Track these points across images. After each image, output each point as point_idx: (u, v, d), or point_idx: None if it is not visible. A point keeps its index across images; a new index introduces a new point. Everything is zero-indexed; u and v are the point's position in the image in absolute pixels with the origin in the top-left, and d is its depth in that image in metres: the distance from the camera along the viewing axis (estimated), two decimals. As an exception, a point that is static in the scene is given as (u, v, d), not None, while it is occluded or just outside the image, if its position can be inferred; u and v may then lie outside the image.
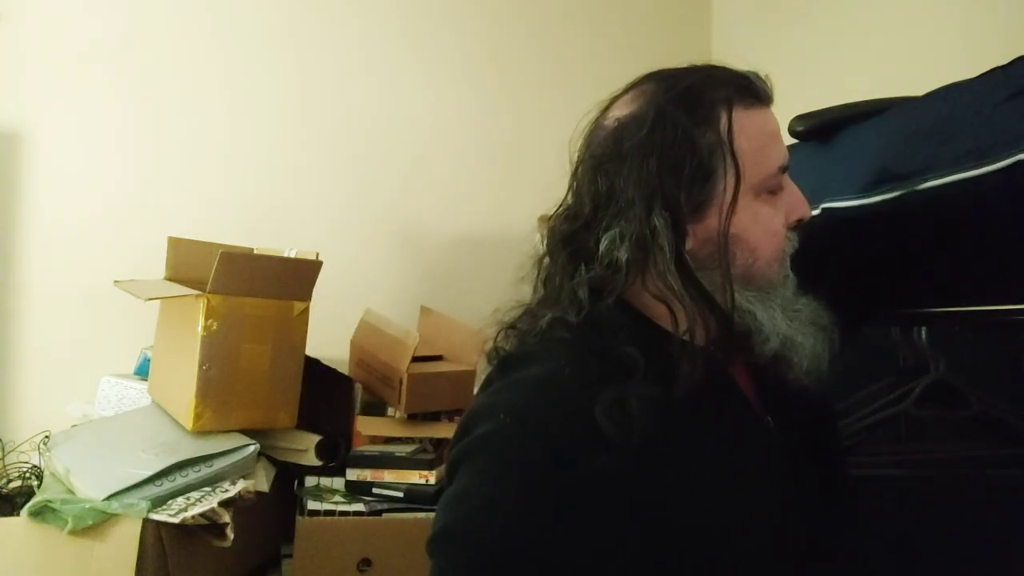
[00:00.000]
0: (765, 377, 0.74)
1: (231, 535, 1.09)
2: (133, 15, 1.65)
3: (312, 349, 1.38)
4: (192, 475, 1.16)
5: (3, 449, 1.40)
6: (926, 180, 0.92)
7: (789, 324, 0.70)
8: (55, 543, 1.05)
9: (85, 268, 1.57)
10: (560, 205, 0.78)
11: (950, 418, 1.05)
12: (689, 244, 0.69)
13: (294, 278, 1.34)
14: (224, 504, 1.11)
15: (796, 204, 0.74)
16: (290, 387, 1.33)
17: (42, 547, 1.06)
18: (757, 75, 0.73)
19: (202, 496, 1.13)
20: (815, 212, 1.14)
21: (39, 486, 1.20)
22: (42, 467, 1.27)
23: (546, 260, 0.77)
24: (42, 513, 1.07)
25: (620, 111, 0.75)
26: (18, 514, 1.09)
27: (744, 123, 0.70)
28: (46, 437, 1.27)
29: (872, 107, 1.09)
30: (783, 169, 0.73)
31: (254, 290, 1.28)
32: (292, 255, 1.47)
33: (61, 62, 1.59)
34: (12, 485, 1.28)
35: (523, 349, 0.73)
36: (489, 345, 0.77)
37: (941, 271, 1.11)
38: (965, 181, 0.87)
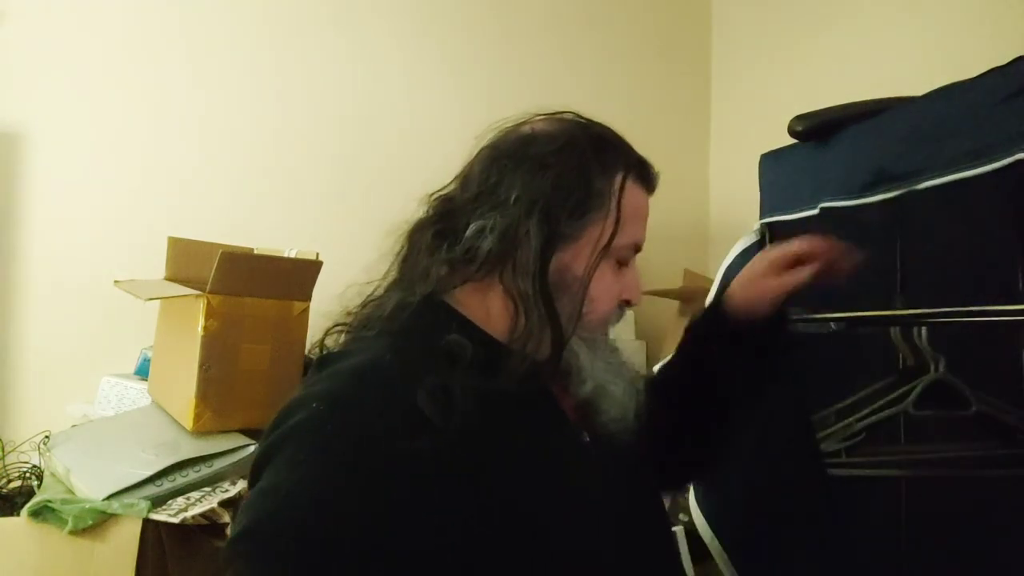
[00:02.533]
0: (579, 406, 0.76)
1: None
2: (133, 15, 1.65)
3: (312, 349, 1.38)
4: (192, 475, 1.16)
5: (3, 449, 1.40)
6: (925, 180, 0.93)
7: (604, 374, 0.73)
8: (55, 543, 1.05)
9: (85, 268, 1.57)
10: (443, 187, 0.80)
11: (950, 418, 1.05)
12: (552, 268, 0.71)
13: (294, 278, 1.34)
14: (224, 504, 1.11)
15: (632, 286, 0.77)
16: (290, 387, 1.31)
17: (42, 547, 1.06)
18: (651, 167, 0.79)
19: (202, 496, 1.13)
20: (815, 212, 1.14)
21: (39, 486, 1.20)
22: (42, 467, 1.27)
23: (414, 236, 0.79)
24: (42, 513, 1.07)
25: (537, 125, 0.78)
26: (18, 514, 1.09)
27: (631, 192, 0.75)
28: (46, 437, 1.27)
29: (872, 107, 1.09)
30: (638, 249, 0.77)
31: (254, 290, 1.28)
32: (292, 255, 1.47)
33: (61, 62, 1.59)
34: (12, 485, 1.28)
35: (348, 346, 0.75)
36: (313, 345, 0.78)
37: (940, 270, 1.11)
38: (963, 181, 0.87)
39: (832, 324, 1.15)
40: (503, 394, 0.65)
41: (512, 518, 0.62)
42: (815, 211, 1.13)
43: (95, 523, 1.06)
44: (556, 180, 0.71)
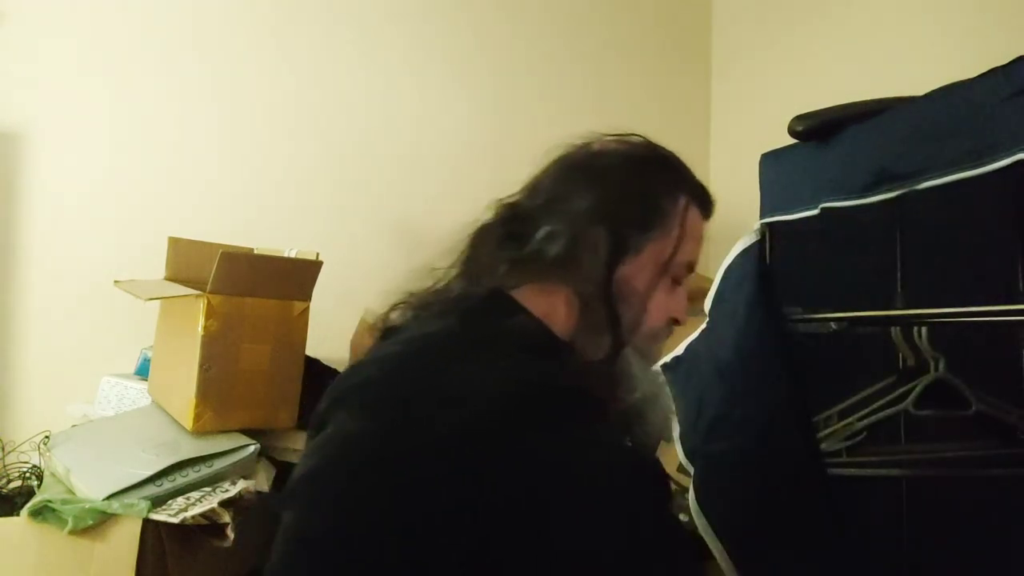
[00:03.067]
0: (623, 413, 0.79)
1: (231, 535, 1.09)
2: (133, 15, 1.65)
3: (312, 349, 1.38)
4: (192, 475, 1.16)
5: (3, 449, 1.39)
6: (925, 180, 0.92)
7: (653, 386, 0.77)
8: (55, 543, 1.05)
9: (85, 268, 1.56)
10: (511, 195, 0.83)
11: (950, 418, 1.05)
12: (616, 278, 0.73)
13: (294, 278, 1.34)
14: (224, 504, 1.11)
15: (682, 306, 0.79)
16: (290, 387, 1.33)
17: (42, 547, 1.06)
18: (711, 195, 0.82)
19: (202, 496, 1.13)
20: (815, 212, 1.14)
21: (39, 486, 1.20)
22: (42, 467, 1.27)
23: (473, 241, 0.81)
24: (42, 513, 1.07)
25: (608, 143, 0.81)
26: (18, 514, 1.09)
27: (692, 214, 0.78)
28: (46, 437, 1.27)
29: (872, 107, 1.09)
30: (691, 270, 0.80)
31: (254, 290, 1.28)
32: (292, 255, 1.47)
33: (61, 62, 1.59)
34: (12, 485, 1.28)
35: (411, 322, 0.77)
36: (379, 317, 0.80)
37: (940, 270, 1.11)
38: (964, 181, 0.87)
39: (832, 324, 1.15)
40: (556, 385, 0.67)
41: (528, 516, 0.59)
42: (815, 211, 1.13)
43: (95, 523, 1.06)
44: (624, 194, 0.74)
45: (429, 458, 0.57)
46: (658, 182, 0.77)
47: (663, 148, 0.82)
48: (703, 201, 0.81)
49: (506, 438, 0.57)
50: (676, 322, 0.79)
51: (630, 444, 0.70)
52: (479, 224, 0.83)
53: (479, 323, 0.71)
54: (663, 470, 0.65)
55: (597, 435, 0.62)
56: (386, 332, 0.78)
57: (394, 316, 0.80)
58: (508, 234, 0.78)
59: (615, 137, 0.82)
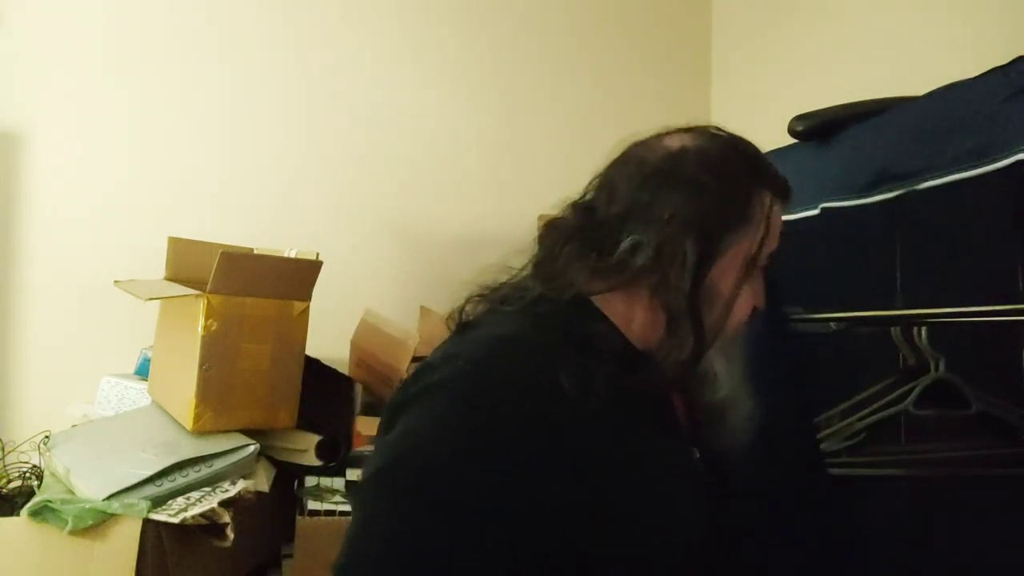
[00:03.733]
0: (697, 421, 0.79)
1: (231, 535, 1.09)
2: (132, 15, 1.65)
3: (312, 349, 1.38)
4: (192, 475, 1.16)
5: (3, 449, 1.39)
6: (926, 180, 0.93)
7: (739, 384, 0.76)
8: (55, 543, 1.05)
9: (85, 268, 1.56)
10: (578, 197, 0.81)
11: (950, 418, 1.05)
12: (706, 281, 0.73)
13: (294, 278, 1.34)
14: (224, 504, 1.11)
15: (759, 293, 0.80)
16: (290, 387, 1.33)
17: (42, 547, 1.06)
18: (790, 185, 0.81)
19: (202, 496, 1.13)
20: (815, 212, 1.14)
21: (39, 486, 1.20)
22: (42, 467, 1.27)
23: (547, 243, 0.80)
24: (42, 513, 1.07)
25: (684, 140, 0.80)
26: (18, 514, 1.09)
27: (776, 211, 0.77)
28: (46, 437, 1.27)
29: (872, 107, 1.09)
30: (771, 258, 0.79)
31: (254, 290, 1.28)
32: (292, 255, 1.47)
33: (61, 62, 1.59)
34: (12, 485, 1.28)
35: (487, 317, 0.76)
36: (454, 310, 0.79)
37: (941, 270, 1.11)
38: (965, 181, 0.87)
39: (832, 324, 1.15)
40: (634, 392, 0.68)
41: (612, 511, 0.63)
42: (816, 211, 1.14)
43: (95, 523, 1.06)
44: (710, 199, 0.73)
45: (494, 456, 0.60)
46: (742, 182, 0.76)
47: (743, 142, 0.81)
48: (784, 194, 0.80)
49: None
50: (755, 309, 0.80)
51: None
52: (554, 225, 0.81)
53: (556, 328, 0.71)
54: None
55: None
56: (461, 327, 0.77)
57: (468, 309, 0.79)
58: (588, 240, 0.76)
59: (690, 132, 0.82)
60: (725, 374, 0.76)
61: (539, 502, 0.59)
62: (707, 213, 0.72)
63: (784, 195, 0.80)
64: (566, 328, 0.70)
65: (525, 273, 0.80)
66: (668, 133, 0.82)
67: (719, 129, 0.82)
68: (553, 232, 0.79)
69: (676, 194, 0.73)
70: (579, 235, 0.76)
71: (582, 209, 0.79)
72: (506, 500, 0.59)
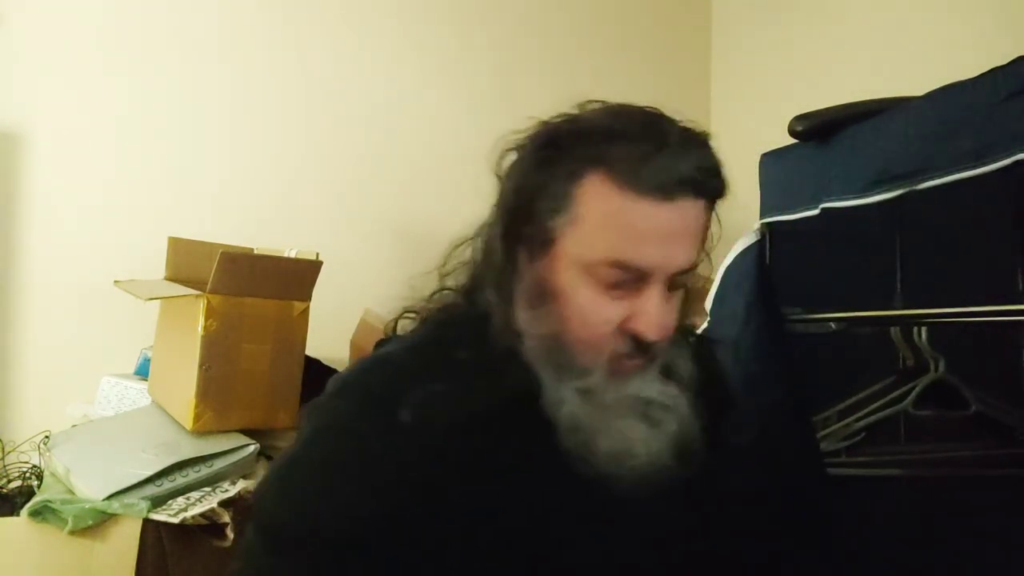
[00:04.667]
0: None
1: (231, 535, 1.09)
2: (132, 15, 1.65)
3: (312, 349, 1.38)
4: (192, 475, 1.16)
5: (3, 449, 1.39)
6: (926, 180, 0.93)
7: (582, 406, 0.63)
8: (55, 543, 1.05)
9: (85, 268, 1.56)
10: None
11: (949, 418, 1.05)
12: (526, 279, 0.65)
13: (294, 278, 1.34)
14: (224, 504, 1.11)
15: (640, 315, 0.62)
16: (290, 387, 1.33)
17: (42, 547, 1.06)
18: (662, 167, 0.60)
19: (202, 496, 1.13)
20: (815, 212, 1.14)
21: (39, 486, 1.20)
22: (42, 467, 1.27)
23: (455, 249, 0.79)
24: (42, 513, 1.07)
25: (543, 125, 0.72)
26: (18, 514, 1.09)
27: (600, 195, 0.61)
28: (46, 437, 1.27)
29: (872, 107, 1.09)
30: (614, 264, 0.61)
31: (254, 290, 1.28)
32: (292, 255, 1.47)
33: (61, 62, 1.59)
34: (12, 485, 1.28)
35: (401, 333, 0.76)
36: (387, 324, 0.79)
37: (941, 270, 1.11)
38: (965, 181, 0.87)
39: (832, 324, 1.15)
40: (486, 416, 0.62)
41: (460, 539, 0.61)
42: (816, 211, 1.14)
43: (95, 523, 1.06)
44: (515, 187, 0.67)
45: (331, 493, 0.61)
46: (552, 163, 0.64)
47: (582, 119, 0.66)
48: (629, 175, 0.60)
49: None
50: (638, 338, 0.62)
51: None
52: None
53: (428, 348, 0.69)
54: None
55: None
56: (376, 344, 0.76)
57: (399, 325, 0.79)
58: (471, 241, 0.75)
59: (574, 111, 0.69)
60: (554, 393, 0.64)
61: (378, 536, 0.58)
62: (509, 203, 0.67)
63: (632, 177, 0.60)
64: (446, 344, 0.67)
65: (446, 282, 0.77)
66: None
67: (604, 103, 0.68)
68: (462, 240, 0.77)
69: (505, 182, 0.70)
70: (472, 237, 0.74)
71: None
72: (346, 534, 0.58)
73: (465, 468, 0.61)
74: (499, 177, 0.71)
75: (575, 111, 0.68)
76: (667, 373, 0.66)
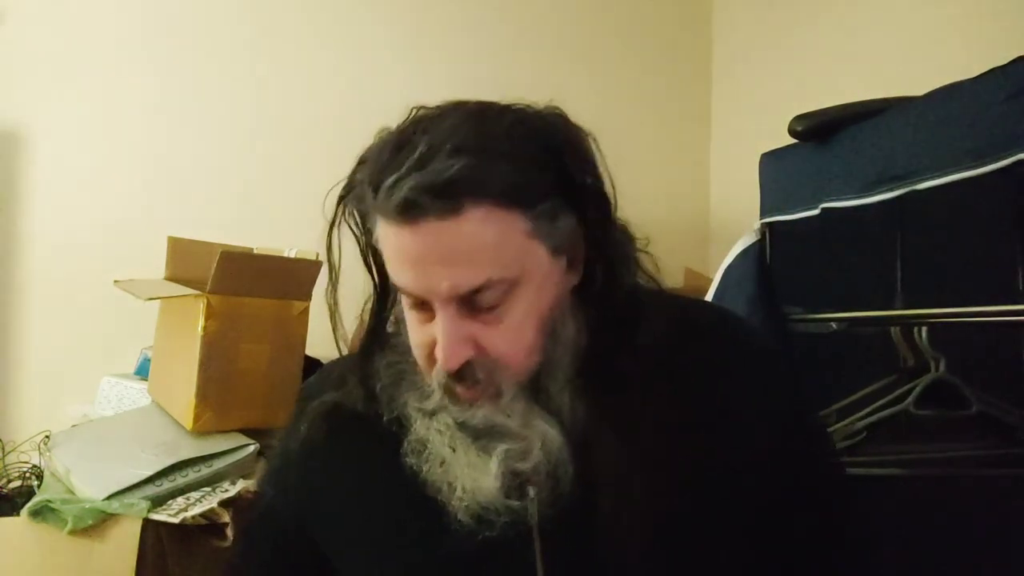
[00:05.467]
0: None
1: (231, 535, 1.09)
2: (132, 15, 1.65)
3: (312, 349, 1.38)
4: (192, 475, 1.16)
5: (3, 449, 1.39)
6: (926, 180, 0.92)
7: (425, 433, 0.62)
8: (55, 543, 1.05)
9: (85, 268, 1.57)
10: None
11: (950, 418, 1.05)
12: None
13: (294, 278, 1.34)
14: (224, 504, 1.11)
15: (439, 342, 0.58)
16: (290, 387, 1.33)
17: (42, 547, 1.06)
18: (392, 188, 0.56)
19: (202, 496, 1.13)
20: (815, 212, 1.14)
21: (39, 486, 1.20)
22: (42, 467, 1.27)
23: None
24: (42, 513, 1.07)
25: None
26: (18, 514, 1.09)
27: (380, 229, 0.61)
28: (46, 437, 1.27)
29: (872, 107, 1.09)
30: (399, 289, 0.61)
31: (254, 290, 1.28)
32: (292, 255, 1.47)
33: (61, 62, 1.59)
34: (12, 485, 1.28)
35: None
36: None
37: (941, 270, 1.11)
38: (965, 181, 0.87)
39: (832, 324, 1.15)
40: (354, 428, 0.67)
41: (326, 540, 0.70)
42: (816, 211, 1.13)
43: (95, 523, 1.06)
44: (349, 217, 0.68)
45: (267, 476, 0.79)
46: (355, 197, 0.65)
47: (380, 137, 0.65)
48: (376, 205, 0.59)
49: None
50: (445, 369, 0.59)
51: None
52: None
53: (345, 363, 0.76)
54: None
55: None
56: None
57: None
58: None
59: None
60: (403, 414, 0.64)
61: (272, 517, 0.73)
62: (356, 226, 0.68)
63: (381, 208, 0.58)
64: (356, 358, 0.70)
65: None
66: None
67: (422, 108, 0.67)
68: None
69: None
70: None
71: None
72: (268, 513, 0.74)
73: (329, 478, 0.69)
74: None
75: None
76: (539, 400, 0.61)
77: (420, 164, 0.55)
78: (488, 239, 0.56)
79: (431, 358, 0.60)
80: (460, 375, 0.58)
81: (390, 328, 0.69)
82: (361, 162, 0.65)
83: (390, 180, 0.56)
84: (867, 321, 1.12)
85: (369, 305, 0.68)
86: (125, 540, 1.06)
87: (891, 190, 0.99)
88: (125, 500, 1.07)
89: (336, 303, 0.68)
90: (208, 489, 1.16)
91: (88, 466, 1.15)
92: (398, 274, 0.59)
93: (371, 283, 0.67)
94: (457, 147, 0.55)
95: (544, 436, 0.59)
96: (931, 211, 1.04)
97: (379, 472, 0.66)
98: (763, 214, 1.26)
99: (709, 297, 1.28)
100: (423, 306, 0.59)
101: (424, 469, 0.61)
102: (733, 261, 1.25)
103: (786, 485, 0.65)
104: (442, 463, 0.60)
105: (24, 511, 1.07)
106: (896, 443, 1.12)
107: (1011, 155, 0.82)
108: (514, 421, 0.59)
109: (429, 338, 0.59)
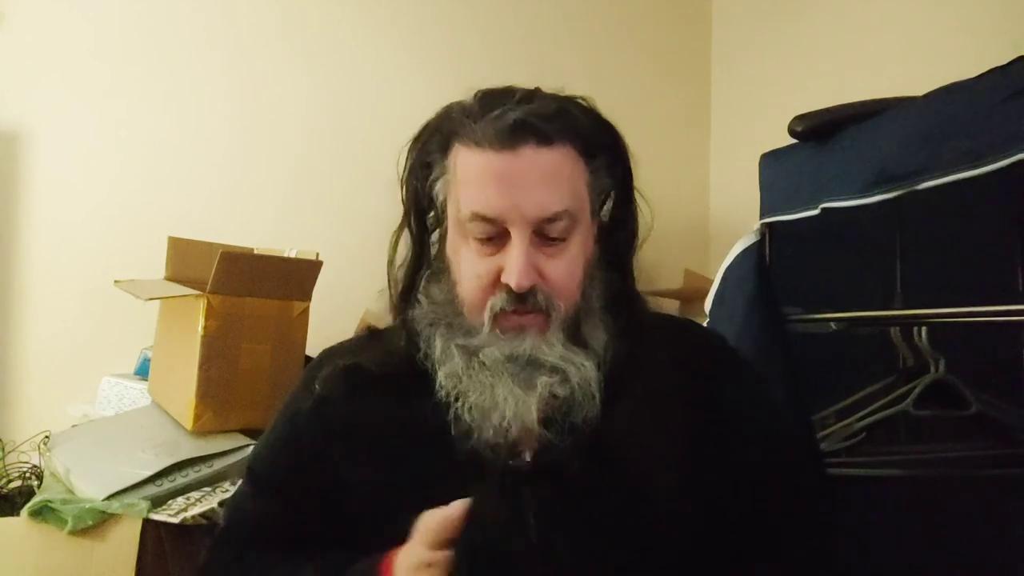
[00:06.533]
0: None
1: (231, 535, 1.09)
2: (132, 15, 1.65)
3: (312, 349, 1.38)
4: (192, 475, 1.16)
5: (3, 449, 1.39)
6: (925, 180, 0.92)
7: (465, 369, 0.67)
8: (55, 543, 1.06)
9: (85, 268, 1.56)
10: None
11: (950, 418, 1.05)
12: (434, 251, 0.75)
13: (294, 278, 1.34)
14: (224, 504, 1.11)
15: (506, 267, 0.66)
16: (290, 387, 1.33)
17: (42, 547, 1.06)
18: (498, 118, 0.67)
19: (202, 496, 1.13)
20: (815, 212, 1.14)
21: (39, 486, 1.20)
22: (42, 467, 1.27)
23: None
24: (42, 513, 1.07)
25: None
26: (18, 514, 1.09)
27: (463, 158, 0.69)
28: (46, 437, 1.27)
29: (872, 107, 1.09)
30: (475, 217, 0.67)
31: (254, 290, 1.28)
32: (292, 255, 1.47)
33: (61, 62, 1.59)
34: (12, 485, 1.28)
35: None
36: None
37: (941, 270, 1.11)
38: (964, 181, 0.87)
39: (832, 324, 1.15)
40: (384, 380, 0.71)
41: (345, 497, 0.72)
42: (816, 211, 1.13)
43: (95, 523, 1.06)
44: (411, 171, 0.75)
45: (267, 442, 0.82)
46: (429, 145, 0.74)
47: (450, 105, 0.76)
48: (475, 135, 0.67)
49: None
50: (511, 290, 0.65)
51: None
52: None
53: (371, 335, 0.81)
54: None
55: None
56: None
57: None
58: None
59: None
60: (443, 357, 0.68)
61: (299, 476, 0.74)
62: (410, 185, 0.74)
63: (475, 139, 0.67)
64: (365, 333, 0.81)
65: None
66: None
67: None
68: None
69: (403, 179, 0.76)
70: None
71: None
72: (278, 473, 0.77)
73: (350, 430, 0.72)
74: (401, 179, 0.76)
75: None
76: (575, 340, 0.68)
77: (527, 100, 0.70)
78: (567, 174, 0.68)
79: (490, 287, 0.67)
80: (523, 297, 0.66)
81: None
82: (448, 110, 0.74)
83: (497, 111, 0.67)
84: (867, 321, 1.13)
85: (402, 271, 0.75)
86: (125, 540, 1.06)
87: (891, 190, 0.99)
88: (125, 500, 1.07)
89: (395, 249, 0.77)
90: (208, 489, 1.16)
91: (88, 466, 1.15)
92: (483, 199, 0.66)
93: (406, 251, 0.75)
94: (552, 96, 0.73)
95: (581, 369, 0.67)
96: (931, 211, 1.04)
97: (400, 422, 0.71)
98: (763, 214, 1.26)
99: (709, 297, 1.28)
100: (490, 241, 0.67)
101: (458, 404, 0.67)
102: (733, 261, 1.25)
103: (767, 482, 0.74)
104: (481, 394, 0.66)
105: (24, 511, 1.08)
106: (895, 443, 1.12)
107: (1011, 155, 0.82)
108: (555, 352, 0.66)
109: (493, 267, 0.67)
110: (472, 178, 0.67)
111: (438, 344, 0.69)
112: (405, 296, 0.74)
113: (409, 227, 0.75)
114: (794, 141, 1.20)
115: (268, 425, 0.82)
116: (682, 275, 1.88)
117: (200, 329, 1.21)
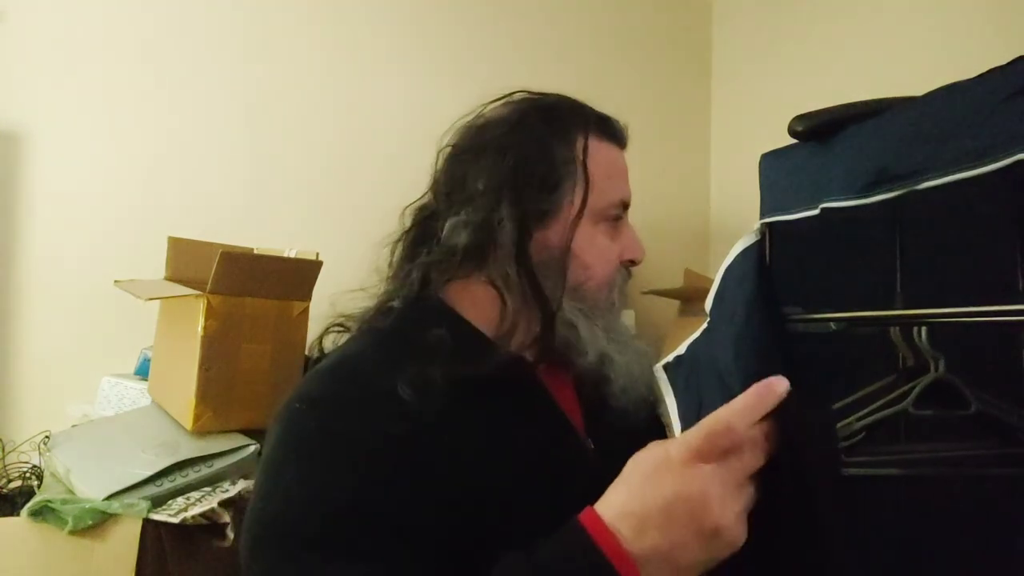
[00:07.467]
0: (594, 407, 0.75)
1: (231, 535, 1.09)
2: (132, 15, 1.65)
3: (312, 349, 1.38)
4: (192, 475, 1.16)
5: (3, 449, 1.39)
6: (925, 180, 0.92)
7: (607, 343, 0.72)
8: (55, 543, 1.05)
9: (85, 268, 1.57)
10: (418, 198, 0.81)
11: (950, 418, 1.05)
12: (529, 248, 0.71)
13: (294, 278, 1.34)
14: (224, 504, 1.11)
15: (631, 245, 0.78)
16: (290, 387, 1.32)
17: (42, 547, 1.06)
18: (616, 120, 0.80)
19: (202, 496, 1.13)
20: (815, 212, 1.14)
21: (39, 486, 1.20)
22: (42, 467, 1.27)
23: (396, 248, 0.80)
24: (42, 513, 1.07)
25: (487, 113, 0.79)
26: (18, 514, 1.09)
27: (597, 151, 0.75)
28: (46, 437, 1.27)
29: (872, 107, 1.09)
30: (625, 205, 0.78)
31: (254, 290, 1.28)
32: (292, 255, 1.47)
33: (61, 62, 1.59)
34: (12, 485, 1.28)
35: (337, 347, 0.75)
36: (312, 344, 0.79)
37: (941, 270, 1.11)
38: (964, 181, 0.87)
39: (832, 324, 1.15)
40: (488, 384, 0.65)
41: (485, 505, 0.61)
42: (815, 211, 1.13)
43: (95, 523, 1.06)
44: (515, 162, 0.71)
45: (343, 486, 0.60)
46: (548, 135, 0.73)
47: (550, 96, 0.79)
48: (607, 131, 0.78)
49: None
50: (632, 263, 0.78)
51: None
52: (394, 236, 0.81)
53: (396, 339, 0.69)
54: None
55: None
56: (313, 363, 0.74)
57: (326, 343, 0.78)
58: (418, 237, 0.77)
59: (496, 102, 0.80)
60: (589, 336, 0.71)
61: (394, 519, 0.57)
62: (513, 175, 0.71)
63: (608, 134, 0.78)
64: (407, 336, 0.68)
65: (381, 289, 0.79)
66: (479, 110, 0.81)
67: (529, 92, 0.80)
68: (394, 241, 0.80)
69: (481, 165, 0.72)
70: (409, 234, 0.78)
71: (415, 209, 0.80)
72: (370, 520, 0.57)
73: (469, 440, 0.63)
74: (476, 154, 0.74)
75: (524, 95, 0.80)
76: None
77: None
78: None
79: (617, 262, 0.76)
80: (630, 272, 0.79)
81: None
82: (563, 112, 0.78)
83: (610, 119, 0.79)
84: (867, 321, 1.12)
85: (512, 271, 0.70)
86: (125, 540, 1.06)
87: (891, 190, 0.99)
88: (125, 500, 1.07)
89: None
90: (208, 489, 1.16)
91: (88, 466, 1.15)
92: (616, 187, 0.76)
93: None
94: None
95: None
96: (931, 211, 1.04)
97: (515, 416, 0.68)
98: (763, 214, 1.26)
99: (709, 297, 1.28)
100: (618, 222, 0.77)
101: (611, 385, 0.72)
102: (733, 261, 1.25)
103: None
104: (628, 372, 0.73)
105: (24, 511, 1.07)
106: (895, 443, 1.12)
107: (1011, 155, 0.82)
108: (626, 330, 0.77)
109: (619, 246, 0.76)
110: (612, 171, 0.76)
111: (584, 331, 0.71)
112: (537, 290, 0.70)
113: (516, 202, 0.71)
114: (794, 141, 1.20)
115: (293, 480, 0.61)
116: (682, 275, 1.88)
117: (200, 329, 1.21)
